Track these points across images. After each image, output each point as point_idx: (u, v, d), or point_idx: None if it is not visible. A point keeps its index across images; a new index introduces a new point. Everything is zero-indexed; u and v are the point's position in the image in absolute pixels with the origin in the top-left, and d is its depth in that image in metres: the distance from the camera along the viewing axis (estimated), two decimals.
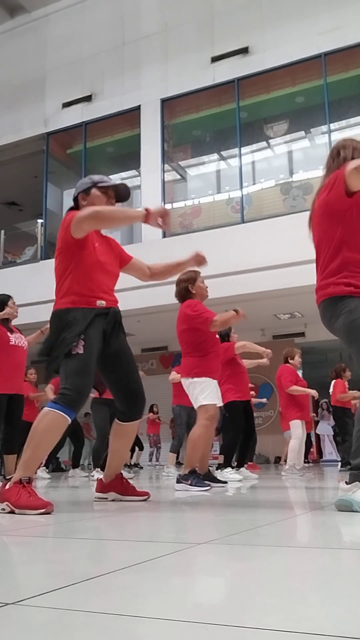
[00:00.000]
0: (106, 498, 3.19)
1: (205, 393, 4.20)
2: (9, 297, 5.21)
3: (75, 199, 3.05)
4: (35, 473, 6.88)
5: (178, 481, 4.15)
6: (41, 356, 2.85)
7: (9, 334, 5.09)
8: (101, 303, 2.89)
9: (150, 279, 3.42)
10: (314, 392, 6.64)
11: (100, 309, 2.88)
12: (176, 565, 1.35)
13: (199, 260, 3.38)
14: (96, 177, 3.07)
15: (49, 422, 2.67)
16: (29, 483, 2.61)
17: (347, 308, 2.39)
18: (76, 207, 3.02)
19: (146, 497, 3.15)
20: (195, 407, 4.29)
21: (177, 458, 8.41)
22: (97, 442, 6.29)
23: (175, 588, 1.13)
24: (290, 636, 0.76)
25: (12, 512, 2.51)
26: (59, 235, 2.92)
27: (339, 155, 2.57)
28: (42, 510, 2.46)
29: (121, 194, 3.08)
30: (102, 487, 3.23)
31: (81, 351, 2.74)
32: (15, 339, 5.13)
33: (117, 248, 3.26)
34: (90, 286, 2.89)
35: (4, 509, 2.55)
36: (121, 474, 3.26)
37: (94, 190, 3.01)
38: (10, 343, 5.07)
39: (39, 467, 7.13)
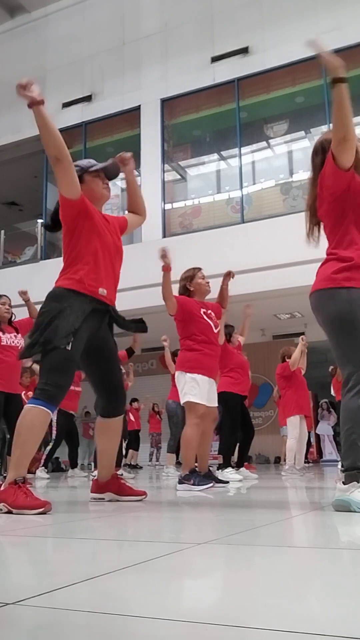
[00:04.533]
0: (103, 498, 3.16)
1: (195, 390, 4.18)
2: None
3: None
4: (34, 473, 6.89)
5: (180, 482, 4.14)
6: (29, 340, 2.76)
7: (0, 334, 5.01)
8: (102, 291, 2.86)
9: (140, 215, 3.44)
10: (300, 348, 6.54)
11: (98, 300, 2.85)
12: (176, 565, 1.35)
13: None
14: (84, 163, 3.04)
15: (32, 419, 2.65)
16: (24, 483, 2.58)
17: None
18: None
19: (143, 496, 3.12)
20: (182, 402, 4.29)
21: (177, 458, 8.39)
22: None
23: (175, 588, 1.13)
24: (290, 636, 0.76)
25: (9, 512, 2.50)
26: (62, 218, 2.90)
27: (313, 161, 2.55)
28: (40, 510, 2.45)
29: (111, 173, 3.10)
30: (98, 487, 3.19)
31: (69, 347, 2.69)
32: (7, 339, 5.03)
33: (115, 221, 3.19)
34: (95, 271, 2.86)
35: (0, 510, 2.54)
36: (116, 473, 3.24)
37: (86, 177, 2.99)
38: (2, 343, 4.98)
39: (37, 467, 7.13)
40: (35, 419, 2.65)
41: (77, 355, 2.76)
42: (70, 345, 2.68)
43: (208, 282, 4.55)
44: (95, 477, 3.29)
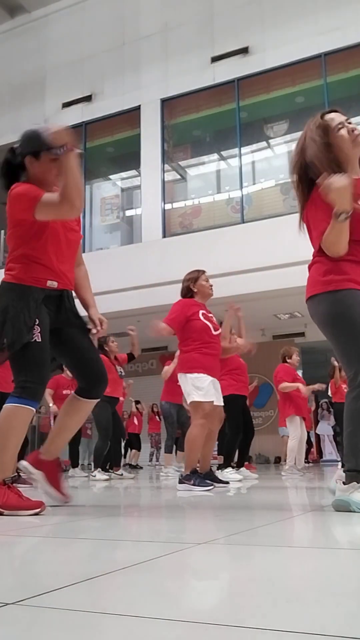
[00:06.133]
0: (32, 474, 2.81)
1: (199, 390, 4.16)
2: None
3: (20, 155, 2.71)
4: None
5: (180, 482, 4.14)
6: None
7: None
8: (52, 284, 2.64)
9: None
10: (303, 389, 6.55)
11: (50, 290, 2.65)
12: (176, 566, 1.35)
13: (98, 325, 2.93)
14: (47, 137, 2.57)
15: (18, 419, 2.53)
16: (13, 483, 2.50)
17: None
18: (19, 164, 2.72)
19: (66, 500, 2.82)
20: (187, 402, 4.29)
21: (175, 454, 8.38)
22: (99, 442, 6.27)
23: (175, 588, 1.13)
24: (290, 636, 0.76)
25: (0, 513, 2.42)
26: (10, 209, 2.63)
27: (298, 160, 2.49)
28: (36, 511, 2.40)
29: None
30: (36, 461, 2.83)
31: (39, 339, 2.55)
32: None
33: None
34: (43, 262, 2.63)
35: None
36: (58, 459, 2.93)
37: (43, 156, 2.64)
38: None
39: None
40: (20, 420, 2.55)
41: (47, 345, 2.62)
42: (39, 336, 2.55)
43: (211, 286, 4.57)
44: (46, 456, 2.90)
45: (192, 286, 4.49)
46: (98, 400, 2.88)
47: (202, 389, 4.17)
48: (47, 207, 2.55)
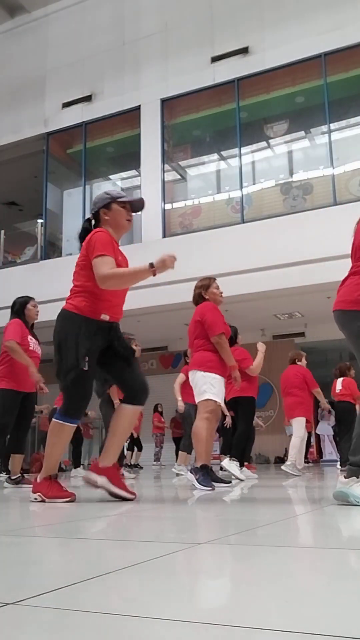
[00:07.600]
0: (96, 482, 3.13)
1: (214, 389, 4.31)
2: (29, 299, 5.18)
3: (97, 214, 3.29)
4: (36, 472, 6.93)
5: (191, 471, 4.31)
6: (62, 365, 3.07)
7: (30, 337, 5.08)
8: (105, 317, 3.09)
9: None
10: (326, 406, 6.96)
11: (101, 321, 3.10)
12: (176, 565, 1.35)
13: None
14: (114, 192, 3.32)
15: (64, 433, 3.11)
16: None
17: None
18: (96, 221, 3.29)
19: (133, 497, 3.10)
20: (199, 399, 4.37)
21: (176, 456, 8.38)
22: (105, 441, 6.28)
23: (176, 588, 1.13)
24: (290, 636, 0.76)
25: (42, 500, 3.02)
26: (84, 252, 3.12)
27: None
28: (69, 499, 3.00)
29: (136, 207, 3.35)
30: (97, 470, 3.18)
31: (86, 367, 2.98)
32: (34, 344, 5.11)
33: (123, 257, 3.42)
34: (102, 298, 3.08)
35: (36, 499, 3.07)
36: (118, 464, 3.33)
37: (114, 205, 3.25)
38: (30, 348, 5.03)
39: (38, 467, 7.16)
40: (64, 433, 3.12)
41: (93, 373, 3.10)
42: (86, 365, 2.99)
43: (222, 293, 4.68)
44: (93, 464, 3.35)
45: (204, 294, 4.62)
46: (142, 407, 3.30)
47: (216, 388, 4.32)
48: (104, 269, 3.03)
